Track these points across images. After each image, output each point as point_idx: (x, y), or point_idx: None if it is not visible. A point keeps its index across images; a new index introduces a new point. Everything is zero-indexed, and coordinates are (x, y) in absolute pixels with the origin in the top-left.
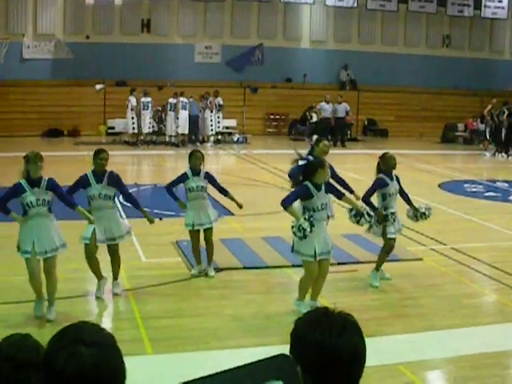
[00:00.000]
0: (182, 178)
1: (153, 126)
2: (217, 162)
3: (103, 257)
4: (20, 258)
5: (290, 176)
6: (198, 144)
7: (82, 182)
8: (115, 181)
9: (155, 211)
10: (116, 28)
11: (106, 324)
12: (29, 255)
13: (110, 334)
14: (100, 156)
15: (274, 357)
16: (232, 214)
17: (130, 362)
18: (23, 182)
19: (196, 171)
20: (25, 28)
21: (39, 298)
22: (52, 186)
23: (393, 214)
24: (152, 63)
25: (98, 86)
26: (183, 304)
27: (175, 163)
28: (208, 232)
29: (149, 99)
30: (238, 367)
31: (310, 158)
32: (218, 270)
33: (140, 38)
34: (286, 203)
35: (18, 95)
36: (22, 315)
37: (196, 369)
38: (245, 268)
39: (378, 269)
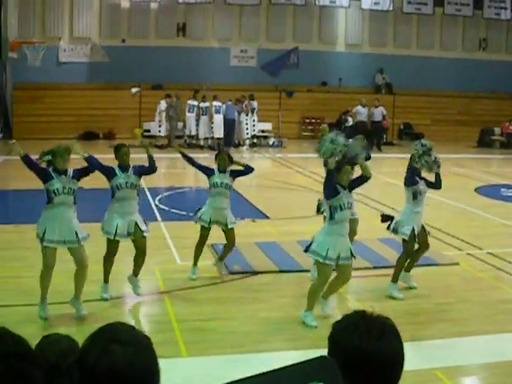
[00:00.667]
0: (208, 171)
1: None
2: (252, 165)
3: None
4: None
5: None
6: (232, 148)
7: (110, 170)
8: (139, 168)
9: (191, 214)
10: (152, 32)
11: (141, 326)
12: (52, 244)
13: (145, 336)
14: (122, 151)
15: (314, 359)
16: (267, 218)
17: (164, 364)
18: (51, 170)
19: (222, 170)
20: (61, 31)
21: (44, 298)
22: (76, 172)
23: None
24: (187, 67)
25: (134, 90)
26: (218, 307)
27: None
28: (230, 233)
29: (207, 104)
30: (277, 369)
31: None
32: (253, 273)
33: (176, 42)
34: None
35: (54, 98)
36: (56, 316)
37: (231, 371)
38: (280, 271)
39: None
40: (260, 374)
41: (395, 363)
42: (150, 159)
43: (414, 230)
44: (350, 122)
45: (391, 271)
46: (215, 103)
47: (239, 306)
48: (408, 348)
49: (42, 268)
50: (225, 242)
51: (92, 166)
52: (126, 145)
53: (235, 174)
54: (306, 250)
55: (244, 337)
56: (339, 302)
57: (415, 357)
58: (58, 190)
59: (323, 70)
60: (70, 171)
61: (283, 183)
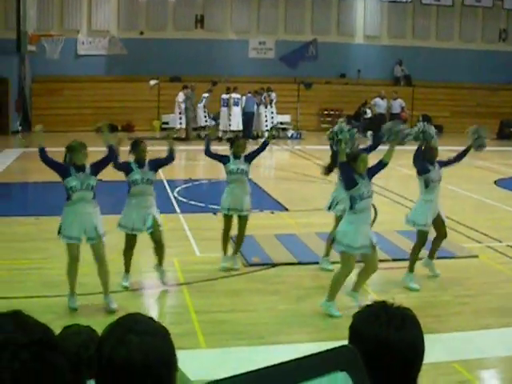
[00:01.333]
0: (223, 159)
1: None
2: (271, 157)
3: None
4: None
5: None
6: (251, 140)
7: (126, 166)
8: (155, 162)
9: (210, 206)
10: (170, 24)
11: (160, 317)
12: (73, 241)
13: (162, 326)
14: (141, 147)
15: (336, 348)
16: (286, 210)
17: (183, 356)
18: (70, 166)
19: (237, 156)
20: (79, 24)
21: (72, 291)
22: (93, 167)
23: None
24: (206, 59)
25: (152, 82)
26: (237, 299)
27: None
28: (243, 220)
29: (226, 96)
30: (299, 358)
31: None
32: (272, 265)
33: (194, 34)
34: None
35: (72, 91)
36: (81, 307)
37: (250, 363)
38: (299, 263)
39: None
40: (282, 363)
41: (415, 354)
42: (171, 150)
43: (427, 219)
44: (369, 114)
45: None
46: (234, 95)
47: (258, 298)
48: (427, 340)
49: (67, 261)
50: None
51: (111, 156)
52: (144, 141)
53: (250, 157)
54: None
55: (263, 328)
56: (359, 294)
57: (434, 349)
58: (75, 186)
59: (342, 61)
60: (88, 167)
61: (302, 175)
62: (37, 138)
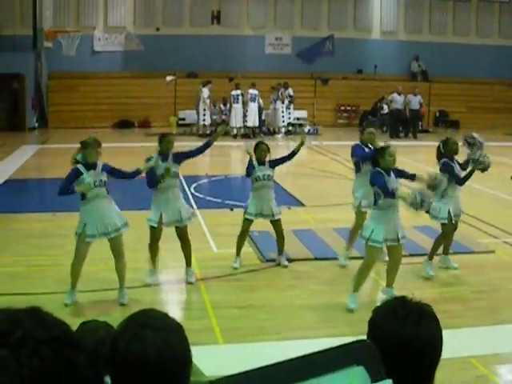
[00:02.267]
0: (250, 170)
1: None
2: (287, 153)
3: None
4: (93, 247)
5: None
6: (262, 135)
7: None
8: (179, 155)
9: (226, 202)
10: (186, 20)
11: (177, 313)
12: (93, 239)
13: (177, 323)
14: (168, 138)
15: (353, 342)
16: (303, 205)
17: (200, 352)
18: (80, 166)
19: (262, 162)
20: (96, 21)
21: (73, 288)
22: (107, 168)
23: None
24: (222, 55)
25: (169, 78)
26: (254, 294)
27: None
28: (277, 224)
29: (238, 92)
30: (316, 352)
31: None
32: (289, 260)
33: (210, 30)
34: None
35: (89, 87)
36: (94, 303)
37: (267, 359)
38: (316, 259)
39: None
40: (298, 357)
41: (432, 349)
42: (206, 145)
43: (449, 212)
44: (386, 109)
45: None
46: (251, 91)
47: (275, 294)
48: (443, 335)
49: (74, 258)
50: (259, 228)
51: (130, 176)
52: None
53: (275, 164)
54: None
55: (280, 324)
56: (374, 289)
57: (450, 344)
58: (89, 184)
59: (358, 57)
60: (100, 165)
61: (319, 171)
62: None
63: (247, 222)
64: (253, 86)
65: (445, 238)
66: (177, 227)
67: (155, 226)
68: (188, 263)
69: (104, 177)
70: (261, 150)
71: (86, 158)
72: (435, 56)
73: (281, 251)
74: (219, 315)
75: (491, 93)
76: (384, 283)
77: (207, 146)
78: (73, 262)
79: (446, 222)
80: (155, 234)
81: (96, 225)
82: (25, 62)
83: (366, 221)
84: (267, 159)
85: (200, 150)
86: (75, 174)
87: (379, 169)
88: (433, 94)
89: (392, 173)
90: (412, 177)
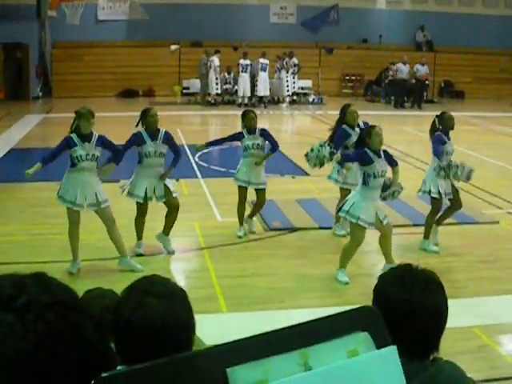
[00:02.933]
0: (238, 136)
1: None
2: (292, 122)
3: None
4: (97, 216)
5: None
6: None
7: (137, 140)
8: (169, 138)
9: (231, 171)
10: None
11: (181, 282)
12: (72, 206)
13: (180, 289)
14: (150, 113)
15: (357, 308)
16: (307, 175)
17: (205, 320)
18: (74, 136)
19: (251, 130)
20: None
21: (74, 255)
22: (103, 141)
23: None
24: (227, 24)
25: (173, 47)
26: (258, 263)
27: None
28: (261, 193)
29: (247, 61)
30: (320, 318)
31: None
32: (293, 229)
33: None
34: (345, 159)
35: (93, 56)
36: (98, 271)
37: (271, 327)
38: (320, 228)
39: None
40: (302, 323)
41: (439, 316)
42: (178, 159)
43: (439, 187)
44: (390, 78)
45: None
46: (262, 60)
47: (279, 262)
48: None
49: (68, 226)
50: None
51: (117, 159)
52: (154, 109)
53: (266, 135)
54: (339, 210)
55: (284, 293)
56: (380, 259)
57: (453, 314)
58: (80, 156)
59: (363, 26)
60: (95, 138)
61: (323, 140)
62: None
63: (242, 190)
64: (263, 55)
65: (435, 213)
66: (165, 201)
67: (141, 201)
68: (167, 233)
69: (97, 151)
70: (249, 119)
71: (79, 129)
72: (440, 26)
73: (252, 215)
74: (223, 284)
75: (497, 63)
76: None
77: (178, 159)
78: (68, 228)
79: (436, 196)
80: (142, 208)
81: (77, 195)
82: (29, 31)
83: (353, 198)
84: (257, 126)
85: (176, 158)
86: (67, 144)
87: (367, 149)
88: (438, 64)
89: (382, 155)
90: (393, 164)
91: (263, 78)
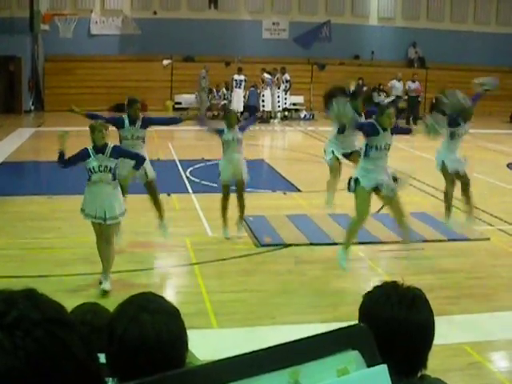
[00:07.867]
0: (219, 131)
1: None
2: (283, 138)
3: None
4: (89, 230)
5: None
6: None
7: (118, 120)
8: (147, 121)
9: None
10: (183, 4)
11: (172, 297)
12: (91, 219)
13: (173, 306)
14: (136, 106)
15: (348, 327)
16: (298, 191)
17: (194, 335)
18: (90, 148)
19: (231, 126)
20: (93, 4)
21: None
22: (118, 151)
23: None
24: (219, 39)
25: (166, 62)
26: (249, 279)
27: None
28: (242, 187)
29: (242, 77)
30: (309, 337)
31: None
32: (284, 245)
33: (207, 14)
34: (355, 125)
35: (85, 70)
36: (89, 286)
37: (261, 344)
38: (311, 244)
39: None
40: (293, 341)
41: (426, 333)
42: (174, 121)
43: (443, 162)
44: (382, 98)
45: (421, 245)
46: (266, 76)
47: (270, 278)
48: (437, 322)
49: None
50: (254, 213)
51: (97, 117)
52: (139, 100)
53: (244, 127)
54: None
55: (275, 309)
56: (371, 276)
57: (444, 331)
58: (93, 168)
59: (355, 43)
60: (109, 149)
61: (314, 156)
62: (59, 141)
63: (225, 188)
64: (239, 71)
65: (451, 184)
66: (144, 183)
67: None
68: (161, 217)
69: (111, 163)
70: (230, 118)
71: (93, 142)
72: (432, 43)
73: (241, 218)
74: (214, 299)
75: None
76: (379, 270)
77: (175, 121)
78: (96, 241)
79: (439, 168)
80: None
81: (94, 207)
82: (21, 44)
83: (357, 173)
84: (236, 123)
85: (167, 122)
86: (82, 156)
87: (375, 122)
88: (430, 80)
89: (389, 130)
90: (408, 131)
91: (269, 93)
